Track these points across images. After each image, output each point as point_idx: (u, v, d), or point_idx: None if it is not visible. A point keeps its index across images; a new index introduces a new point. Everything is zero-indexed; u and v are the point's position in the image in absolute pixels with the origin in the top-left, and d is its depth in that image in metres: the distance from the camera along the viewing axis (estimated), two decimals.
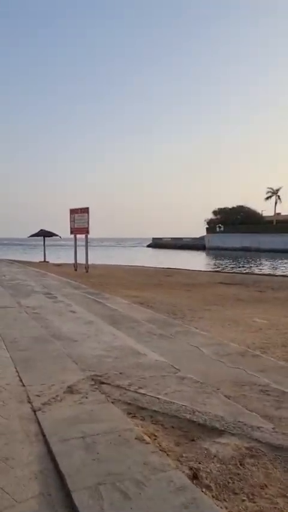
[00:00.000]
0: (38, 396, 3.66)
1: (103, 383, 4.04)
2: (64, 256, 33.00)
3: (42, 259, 30.10)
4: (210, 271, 29.71)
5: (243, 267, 37.06)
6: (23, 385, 3.96)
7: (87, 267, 20.55)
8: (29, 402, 3.53)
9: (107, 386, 3.96)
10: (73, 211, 21.58)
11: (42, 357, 4.93)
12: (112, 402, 3.54)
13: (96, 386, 3.92)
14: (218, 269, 32.68)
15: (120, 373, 4.34)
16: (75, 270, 20.95)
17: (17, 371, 4.38)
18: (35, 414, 3.27)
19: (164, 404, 3.51)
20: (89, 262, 21.10)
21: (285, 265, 38.48)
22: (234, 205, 77.49)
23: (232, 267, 35.89)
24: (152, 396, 3.69)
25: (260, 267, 36.59)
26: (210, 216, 79.05)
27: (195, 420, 3.19)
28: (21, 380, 4.09)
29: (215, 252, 63.89)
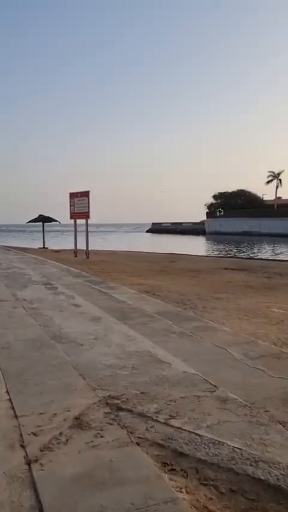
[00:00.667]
0: (35, 435, 2.65)
1: (121, 409, 3.04)
2: (64, 242, 32.08)
3: (41, 246, 29.20)
4: (214, 256, 28.83)
5: (245, 252, 36.24)
6: (15, 415, 2.95)
7: (87, 253, 19.65)
8: (22, 446, 2.52)
9: (128, 414, 2.96)
10: (73, 195, 20.56)
11: (40, 369, 3.92)
12: (137, 444, 2.55)
13: (113, 416, 2.92)
14: (222, 254, 31.80)
15: (142, 393, 3.34)
16: (75, 256, 20.09)
17: (7, 392, 3.36)
18: (30, 469, 2.27)
19: (210, 447, 2.53)
20: (89, 248, 20.21)
21: (287, 249, 37.65)
22: (235, 189, 76.23)
23: (235, 252, 35.05)
24: (190, 432, 2.70)
25: (263, 252, 35.77)
26: (211, 200, 77.85)
27: (262, 478, 2.20)
28: (12, 408, 3.07)
29: (215, 236, 63.06)
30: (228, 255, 30.82)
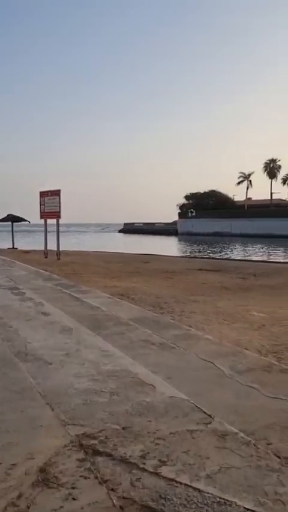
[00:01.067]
0: None
1: (99, 452, 2.43)
2: (34, 243, 31.04)
3: (11, 246, 28.14)
4: (187, 257, 28.58)
5: (218, 252, 36.22)
6: None
7: (58, 253, 18.89)
8: None
9: (107, 460, 2.36)
10: (43, 194, 19.82)
11: None
12: (121, 509, 1.96)
13: (89, 464, 2.31)
14: (195, 255, 31.58)
15: (124, 428, 2.75)
16: (46, 257, 19.35)
17: None
18: None
19: (215, 509, 1.97)
20: (60, 249, 19.47)
21: (258, 250, 37.95)
22: (206, 190, 76.66)
23: (208, 253, 34.95)
24: (187, 486, 2.13)
25: (235, 252, 35.87)
26: (183, 200, 78.02)
27: None
28: None
29: (187, 237, 63.28)
30: (202, 256, 30.65)
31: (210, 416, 2.95)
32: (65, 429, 2.71)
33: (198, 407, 3.08)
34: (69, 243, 34.37)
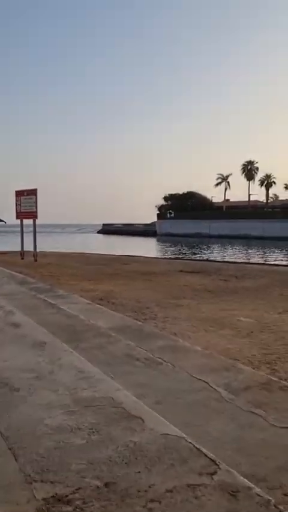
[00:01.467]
0: None
1: None
2: (11, 243, 30.12)
3: None
4: (167, 258, 28.16)
5: (198, 253, 36.00)
6: None
7: (35, 255, 18.19)
8: None
9: None
10: (19, 193, 19.19)
11: None
12: None
13: None
14: (176, 256, 31.19)
15: (106, 485, 2.13)
16: (22, 258, 18.68)
17: None
18: None
19: None
20: (38, 250, 18.80)
21: (238, 251, 37.96)
22: (185, 191, 76.69)
23: (188, 254, 34.66)
24: None
25: (215, 253, 35.74)
26: (161, 202, 77.83)
27: None
28: None
29: (166, 238, 63.24)
30: (182, 257, 30.30)
31: (214, 462, 2.36)
32: (30, 491, 2.07)
33: (198, 449, 2.49)
34: (47, 244, 33.48)
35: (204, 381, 3.82)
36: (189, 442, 2.56)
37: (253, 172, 72.46)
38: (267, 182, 72.08)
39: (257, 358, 4.97)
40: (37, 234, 18.66)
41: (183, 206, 72.03)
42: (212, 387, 3.70)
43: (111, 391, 3.26)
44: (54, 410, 2.93)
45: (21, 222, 19.57)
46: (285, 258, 30.70)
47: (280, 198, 77.95)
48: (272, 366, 4.62)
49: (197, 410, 3.23)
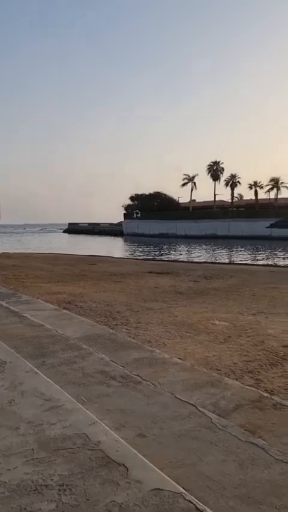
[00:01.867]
0: None
1: None
2: None
3: None
4: (135, 259, 27.62)
5: (165, 253, 35.76)
6: None
7: None
8: None
9: None
10: None
11: None
12: None
13: None
14: (143, 257, 30.73)
15: None
16: None
17: None
18: None
19: None
20: (1, 251, 17.83)
21: (205, 251, 38.05)
22: (151, 191, 76.50)
23: (155, 254, 34.35)
24: None
25: (182, 254, 35.62)
26: (128, 201, 77.31)
27: None
28: None
29: (133, 238, 62.86)
30: (150, 257, 29.92)
31: None
32: None
33: (196, 507, 1.95)
34: (10, 245, 32.20)
35: (190, 403, 3.31)
36: (188, 501, 1.99)
37: (219, 173, 73.01)
38: (232, 182, 72.72)
39: (239, 367, 4.58)
40: (0, 235, 17.74)
41: (149, 206, 71.82)
42: (200, 411, 3.19)
43: (85, 426, 2.67)
44: (15, 458, 2.31)
45: None
46: (251, 257, 30.94)
47: (245, 198, 79.07)
48: (255, 375, 4.30)
49: (187, 444, 2.70)
